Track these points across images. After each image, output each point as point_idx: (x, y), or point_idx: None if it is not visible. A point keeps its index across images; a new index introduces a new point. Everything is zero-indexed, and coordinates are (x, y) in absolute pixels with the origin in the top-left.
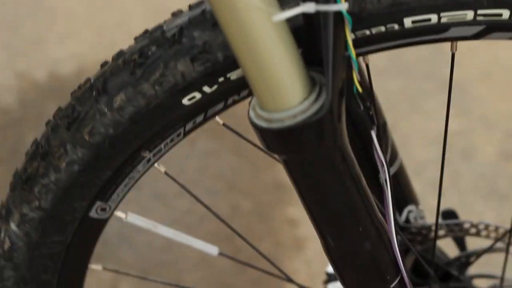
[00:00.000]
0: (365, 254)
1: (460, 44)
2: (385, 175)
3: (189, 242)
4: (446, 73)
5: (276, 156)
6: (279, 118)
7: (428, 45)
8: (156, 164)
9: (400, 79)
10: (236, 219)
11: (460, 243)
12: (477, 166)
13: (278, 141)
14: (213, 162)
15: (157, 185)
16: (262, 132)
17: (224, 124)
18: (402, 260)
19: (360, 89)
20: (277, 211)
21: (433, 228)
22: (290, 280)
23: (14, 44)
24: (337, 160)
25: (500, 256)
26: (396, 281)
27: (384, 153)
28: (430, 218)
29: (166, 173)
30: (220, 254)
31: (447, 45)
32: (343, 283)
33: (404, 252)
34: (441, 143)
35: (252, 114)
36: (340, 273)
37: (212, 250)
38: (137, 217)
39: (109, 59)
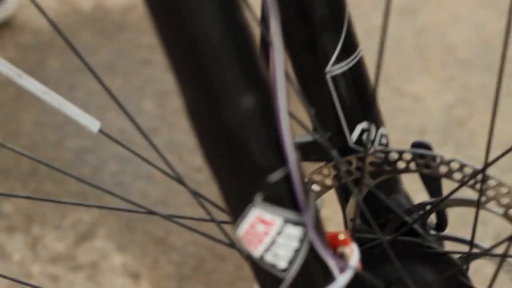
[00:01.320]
0: (232, 121)
1: None
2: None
3: (66, 109)
4: None
5: None
6: None
7: None
8: None
9: (483, 74)
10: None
11: (432, 188)
12: None
13: None
14: None
15: (173, 135)
16: None
17: None
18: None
19: None
20: None
21: (393, 156)
22: (193, 191)
23: None
24: None
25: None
26: (279, 172)
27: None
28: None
29: None
30: (100, 131)
31: None
32: (205, 159)
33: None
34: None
35: None
36: (202, 144)
37: (93, 125)
38: (3, 61)
39: None
